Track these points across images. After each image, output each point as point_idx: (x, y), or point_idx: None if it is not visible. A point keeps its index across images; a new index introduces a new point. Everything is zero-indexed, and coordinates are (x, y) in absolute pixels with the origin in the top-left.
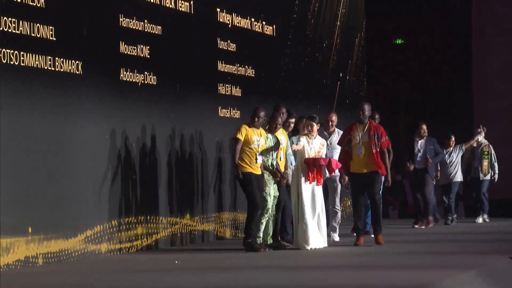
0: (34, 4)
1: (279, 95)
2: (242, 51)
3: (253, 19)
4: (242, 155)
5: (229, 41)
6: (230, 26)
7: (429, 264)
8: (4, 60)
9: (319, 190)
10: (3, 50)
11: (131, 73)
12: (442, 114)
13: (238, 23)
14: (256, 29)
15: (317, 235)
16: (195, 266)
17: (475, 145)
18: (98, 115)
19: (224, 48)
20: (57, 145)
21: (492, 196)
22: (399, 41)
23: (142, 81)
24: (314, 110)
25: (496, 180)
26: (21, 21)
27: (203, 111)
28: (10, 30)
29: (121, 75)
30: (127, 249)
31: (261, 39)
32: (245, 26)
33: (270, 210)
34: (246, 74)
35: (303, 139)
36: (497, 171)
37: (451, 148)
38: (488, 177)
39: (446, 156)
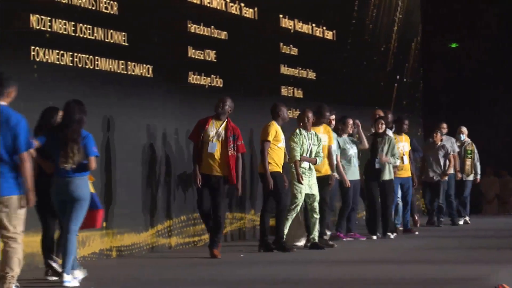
0: (108, 12)
1: (338, 96)
2: (303, 55)
3: (314, 25)
4: (271, 154)
5: (291, 45)
6: (292, 31)
7: (478, 258)
8: (80, 64)
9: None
10: (79, 55)
11: (198, 76)
12: (485, 118)
13: (300, 28)
14: (317, 34)
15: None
16: (260, 259)
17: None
18: (167, 116)
19: (287, 52)
20: (128, 145)
21: None
22: (454, 45)
23: (209, 84)
24: (372, 112)
25: (478, 181)
26: (95, 28)
27: (267, 112)
28: (85, 36)
29: (189, 78)
30: (195, 243)
31: (321, 44)
32: (306, 31)
33: (298, 208)
34: (308, 77)
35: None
36: (479, 172)
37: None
38: (471, 177)
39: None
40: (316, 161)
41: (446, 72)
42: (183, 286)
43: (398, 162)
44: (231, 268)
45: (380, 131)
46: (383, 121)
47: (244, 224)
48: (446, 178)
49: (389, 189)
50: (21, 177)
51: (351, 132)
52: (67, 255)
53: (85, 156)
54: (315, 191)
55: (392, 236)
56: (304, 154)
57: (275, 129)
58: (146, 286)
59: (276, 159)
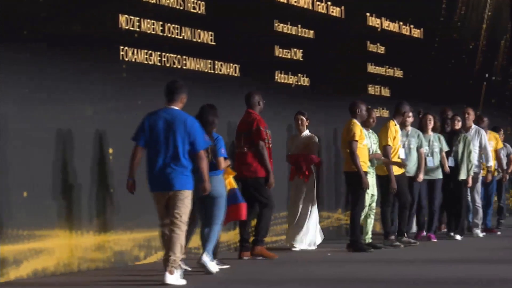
0: (195, 11)
1: (426, 95)
2: (390, 53)
3: (401, 23)
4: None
5: (378, 44)
6: (379, 29)
7: None
8: (167, 63)
9: (305, 187)
10: (167, 54)
11: (285, 76)
12: None
13: (387, 26)
14: (404, 32)
15: (303, 235)
16: (346, 258)
17: None
18: None
19: (374, 50)
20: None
21: None
22: None
23: (296, 83)
24: (460, 110)
25: None
26: (183, 28)
27: None
28: (173, 36)
29: (276, 77)
30: (281, 242)
31: (409, 42)
32: (393, 30)
33: (365, 208)
34: (395, 75)
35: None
36: None
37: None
38: None
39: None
40: (381, 156)
41: None
42: (272, 285)
43: (490, 163)
44: (318, 267)
45: (457, 127)
46: (459, 118)
47: (330, 223)
48: (506, 179)
49: (462, 189)
50: (192, 173)
51: (430, 127)
52: (209, 240)
53: (215, 156)
54: (374, 191)
55: (480, 235)
56: None
57: (359, 128)
58: (232, 285)
59: (361, 158)
